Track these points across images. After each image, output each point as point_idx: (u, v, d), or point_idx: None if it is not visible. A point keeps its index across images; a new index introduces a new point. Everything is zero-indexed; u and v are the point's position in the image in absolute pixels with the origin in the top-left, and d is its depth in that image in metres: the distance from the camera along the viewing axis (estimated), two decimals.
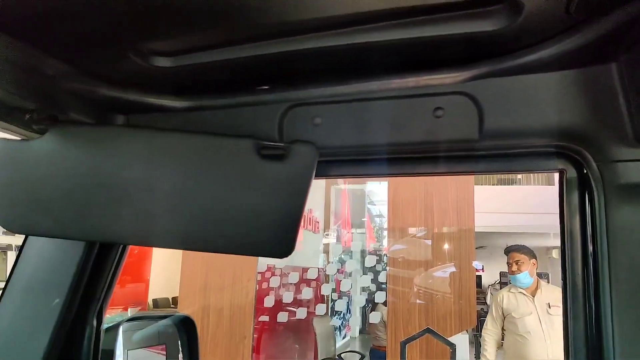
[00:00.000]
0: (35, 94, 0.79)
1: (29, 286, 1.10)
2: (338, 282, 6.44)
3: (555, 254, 14.00)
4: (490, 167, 0.92)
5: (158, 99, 0.88)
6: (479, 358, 3.97)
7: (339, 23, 0.70)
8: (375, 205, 9.13)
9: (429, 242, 4.97)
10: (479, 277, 13.86)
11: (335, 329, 6.60)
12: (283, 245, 0.79)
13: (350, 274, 6.50)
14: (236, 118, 0.91)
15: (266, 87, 0.88)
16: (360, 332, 8.22)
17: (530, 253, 3.81)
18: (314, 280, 5.62)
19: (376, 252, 6.69)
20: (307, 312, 5.53)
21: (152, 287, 9.19)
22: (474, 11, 0.68)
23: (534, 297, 3.71)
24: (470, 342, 7.06)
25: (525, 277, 3.73)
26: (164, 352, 1.63)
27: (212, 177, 0.79)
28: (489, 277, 13.80)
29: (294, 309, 5.45)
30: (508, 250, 3.91)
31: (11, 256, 9.04)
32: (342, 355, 6.20)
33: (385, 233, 6.20)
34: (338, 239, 7.55)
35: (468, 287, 4.75)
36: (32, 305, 1.09)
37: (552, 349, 3.53)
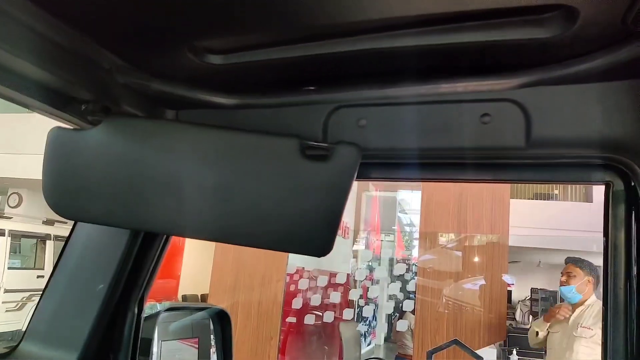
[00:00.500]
0: (91, 86, 0.83)
1: (76, 270, 1.14)
2: (365, 288, 6.41)
3: None
4: (535, 177, 0.91)
5: (207, 96, 0.91)
6: None
7: (391, 26, 0.70)
8: (406, 213, 9.06)
9: (460, 253, 4.89)
10: (509, 292, 13.51)
11: (361, 334, 6.57)
12: (322, 244, 0.80)
13: (378, 281, 6.46)
14: (282, 117, 0.93)
15: (312, 88, 0.89)
16: (385, 339, 8.15)
17: (588, 269, 3.50)
18: (341, 284, 5.61)
19: (405, 261, 6.64)
20: (334, 316, 5.52)
21: (182, 283, 9.34)
22: (528, 18, 0.67)
23: (571, 314, 3.57)
24: (498, 358, 6.90)
25: (569, 291, 3.48)
26: (197, 345, 1.65)
27: (256, 174, 0.81)
28: (520, 293, 13.44)
29: (321, 313, 5.45)
30: (567, 261, 3.71)
31: (49, 246, 9.32)
32: None
33: (415, 242, 6.14)
34: (367, 245, 7.52)
35: (498, 301, 4.66)
36: (77, 289, 1.13)
37: None
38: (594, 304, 3.50)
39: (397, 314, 6.12)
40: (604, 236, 0.88)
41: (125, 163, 0.84)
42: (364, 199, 7.36)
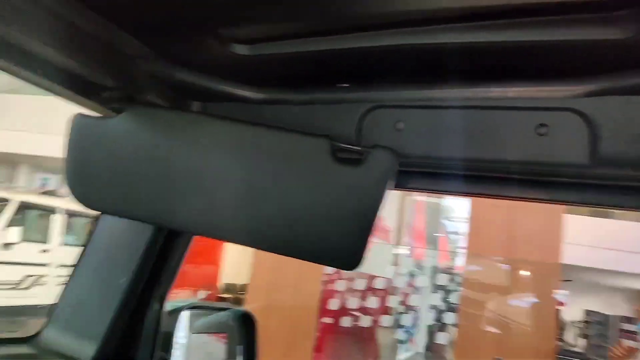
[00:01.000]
0: (115, 73, 0.80)
1: (99, 263, 1.14)
2: (405, 296, 6.30)
3: None
4: (599, 200, 0.79)
5: (234, 89, 0.86)
6: None
7: (436, 19, 0.62)
8: (451, 221, 8.83)
9: (508, 267, 4.69)
10: (559, 311, 12.96)
11: (399, 342, 6.47)
12: (350, 257, 0.74)
13: (419, 289, 6.33)
14: (312, 115, 0.86)
15: (346, 85, 0.83)
16: (425, 349, 8.01)
17: None
18: (381, 289, 5.53)
19: (449, 270, 6.46)
20: (372, 320, 5.45)
21: (224, 270, 9.49)
22: (598, 15, 0.57)
23: None
24: None
25: None
26: (225, 340, 1.65)
27: (283, 175, 0.76)
28: (570, 313, 12.83)
29: (358, 315, 5.40)
30: None
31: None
32: None
33: (460, 251, 5.96)
34: (409, 251, 7.39)
35: (548, 321, 4.43)
36: (100, 282, 1.13)
37: None
38: None
39: (438, 325, 5.98)
40: None
41: (149, 155, 0.80)
42: (408, 203, 7.22)
